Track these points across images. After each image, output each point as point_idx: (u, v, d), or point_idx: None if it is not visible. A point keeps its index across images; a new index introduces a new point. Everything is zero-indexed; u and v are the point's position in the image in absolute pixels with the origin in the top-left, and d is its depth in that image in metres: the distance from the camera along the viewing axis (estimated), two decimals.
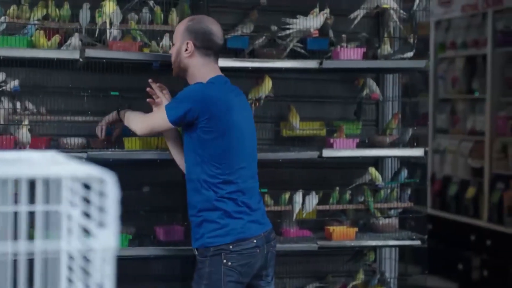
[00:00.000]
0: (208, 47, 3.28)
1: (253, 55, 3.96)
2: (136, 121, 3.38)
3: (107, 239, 1.15)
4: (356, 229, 3.96)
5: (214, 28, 3.31)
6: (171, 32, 3.72)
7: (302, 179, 4.18)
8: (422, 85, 8.17)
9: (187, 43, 3.25)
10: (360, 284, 4.17)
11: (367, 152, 3.92)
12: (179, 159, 3.43)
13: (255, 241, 3.18)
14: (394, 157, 4.17)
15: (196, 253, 3.26)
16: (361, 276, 4.17)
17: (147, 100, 3.42)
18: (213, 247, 3.15)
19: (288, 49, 3.91)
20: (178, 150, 3.42)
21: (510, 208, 6.64)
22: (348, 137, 4.01)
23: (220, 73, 3.32)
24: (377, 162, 4.34)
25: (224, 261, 3.14)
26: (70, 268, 1.45)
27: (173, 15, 3.73)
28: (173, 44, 3.37)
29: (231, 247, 3.14)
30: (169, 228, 3.84)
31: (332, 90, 4.30)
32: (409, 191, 4.12)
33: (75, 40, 3.50)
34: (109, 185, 1.18)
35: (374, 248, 4.27)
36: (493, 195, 6.88)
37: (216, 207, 3.17)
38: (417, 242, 3.97)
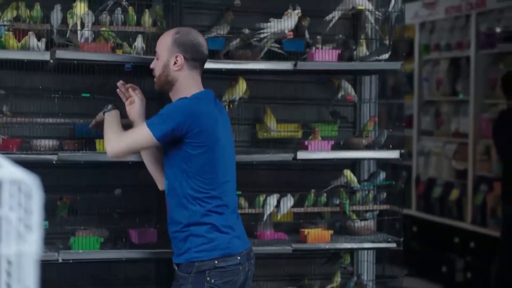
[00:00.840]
0: (197, 59, 3.25)
1: (228, 56, 3.93)
2: (112, 140, 3.22)
3: (31, 243, 1.12)
4: (331, 231, 3.93)
5: (201, 39, 3.30)
6: (144, 34, 3.71)
7: (278, 181, 4.15)
8: (407, 87, 8.16)
9: (176, 56, 3.21)
10: (337, 287, 4.14)
11: (342, 154, 3.89)
12: (159, 175, 3.40)
13: (238, 258, 3.15)
14: (370, 159, 4.14)
15: (177, 268, 3.21)
16: (338, 279, 4.15)
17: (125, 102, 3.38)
18: (198, 262, 3.10)
19: (263, 51, 3.89)
20: (159, 166, 3.39)
21: (493, 210, 6.64)
22: (324, 139, 3.99)
23: (201, 86, 3.29)
24: (355, 164, 4.32)
25: (208, 278, 3.10)
26: (8, 273, 1.42)
27: (146, 17, 3.70)
28: (156, 58, 3.29)
29: (216, 262, 3.10)
30: (143, 230, 3.81)
31: (309, 92, 4.28)
32: (384, 194, 4.09)
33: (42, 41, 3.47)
34: (32, 188, 1.15)
35: (351, 251, 4.25)
36: (476, 197, 6.88)
37: (204, 221, 3.13)
38: (392, 245, 3.94)
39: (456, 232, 7.09)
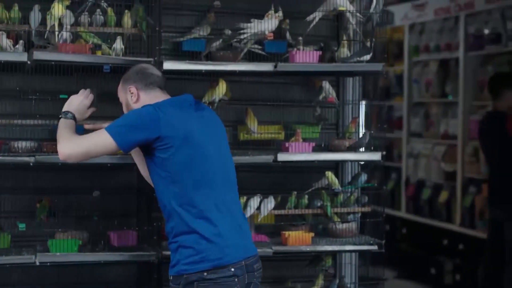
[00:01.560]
0: (149, 82, 3.22)
1: (209, 58, 3.91)
2: (68, 141, 3.11)
3: None
4: (312, 234, 3.91)
5: (144, 65, 3.33)
6: (123, 35, 3.69)
7: (260, 183, 4.13)
8: (397, 88, 8.17)
9: (130, 89, 3.22)
10: None
11: (323, 156, 3.87)
12: (145, 172, 3.35)
13: (232, 269, 3.02)
14: (352, 161, 4.12)
15: (170, 278, 3.12)
16: (320, 282, 4.13)
17: None
18: (187, 274, 3.01)
19: (243, 52, 3.87)
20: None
21: (482, 212, 6.62)
22: (306, 141, 3.97)
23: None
24: (338, 166, 4.30)
25: None
26: None
27: (126, 18, 3.67)
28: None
29: (205, 274, 2.99)
30: (122, 233, 3.78)
31: (292, 93, 4.26)
32: (366, 198, 4.07)
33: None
34: None
35: (334, 253, 4.23)
36: (465, 199, 6.86)
37: (190, 230, 3.03)
38: (374, 247, 3.92)
39: (445, 234, 7.08)
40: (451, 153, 7.17)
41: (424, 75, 7.65)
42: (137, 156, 3.40)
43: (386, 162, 8.18)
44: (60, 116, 3.26)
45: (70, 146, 3.08)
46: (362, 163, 4.24)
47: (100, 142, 3.07)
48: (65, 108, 3.30)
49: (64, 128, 3.19)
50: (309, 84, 4.24)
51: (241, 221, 3.19)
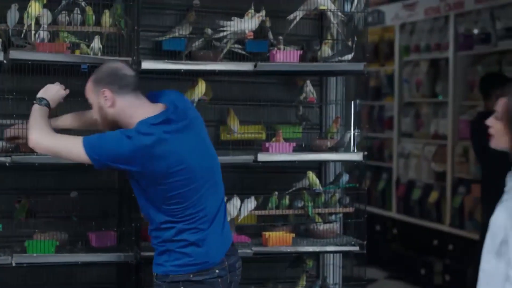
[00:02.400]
0: (124, 84, 3.03)
1: (190, 57, 3.88)
2: (39, 132, 3.04)
3: None
4: (293, 235, 3.88)
5: (116, 65, 3.12)
6: (102, 34, 3.66)
7: (242, 184, 4.10)
8: (388, 88, 8.14)
9: (103, 92, 3.02)
10: None
11: (303, 157, 3.85)
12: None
13: (217, 271, 3.04)
14: (333, 161, 4.09)
15: (155, 275, 3.11)
16: (303, 283, 4.11)
17: None
18: (173, 275, 3.03)
19: (224, 51, 3.84)
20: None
21: (471, 212, 6.59)
22: (288, 141, 3.95)
23: (148, 108, 3.05)
24: (321, 166, 4.28)
25: (182, 287, 3.03)
26: None
27: (105, 17, 3.65)
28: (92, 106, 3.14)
29: (191, 276, 3.01)
30: (102, 234, 3.76)
31: (274, 93, 4.23)
32: (347, 198, 4.04)
33: None
34: None
35: (317, 254, 4.21)
36: (454, 200, 6.84)
37: (180, 238, 3.02)
38: (355, 248, 3.89)
39: (435, 235, 7.05)
40: (441, 153, 7.14)
41: (414, 75, 7.62)
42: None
43: (377, 162, 8.28)
44: (35, 101, 3.19)
45: (42, 137, 3.01)
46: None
47: (72, 149, 2.99)
48: (40, 94, 3.22)
49: (39, 116, 3.10)
50: (291, 84, 4.21)
51: (224, 221, 3.16)
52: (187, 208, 3.00)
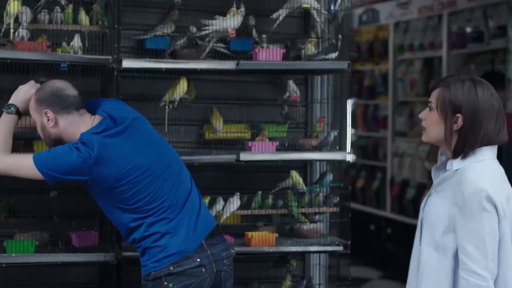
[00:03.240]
0: (66, 105, 3.09)
1: (174, 56, 3.85)
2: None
3: None
4: (276, 234, 3.85)
5: (59, 84, 3.14)
6: (81, 33, 3.63)
7: (227, 183, 4.07)
8: (382, 87, 8.11)
9: (46, 113, 3.09)
10: None
11: (286, 156, 3.82)
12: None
13: (198, 259, 3.05)
14: (316, 160, 4.06)
15: (142, 278, 3.14)
16: (288, 283, 4.07)
17: None
18: (154, 271, 3.04)
19: (207, 50, 3.81)
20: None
21: None
22: (274, 140, 3.92)
23: (89, 121, 3.11)
24: (306, 165, 4.24)
25: (165, 283, 3.02)
26: None
27: (82, 15, 3.62)
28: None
29: (171, 268, 3.02)
30: (83, 234, 3.73)
31: (260, 92, 4.20)
32: (335, 198, 4.00)
33: None
34: None
35: (302, 254, 4.17)
36: None
37: (150, 232, 3.05)
38: (339, 248, 3.86)
39: None
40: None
41: (408, 74, 7.59)
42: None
43: (371, 162, 8.24)
44: (3, 109, 3.21)
45: None
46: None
47: (24, 167, 3.06)
48: (11, 100, 3.24)
49: (1, 131, 3.15)
50: (277, 82, 4.18)
51: (199, 207, 3.18)
52: (149, 202, 3.04)
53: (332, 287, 4.19)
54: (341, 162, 3.98)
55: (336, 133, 3.94)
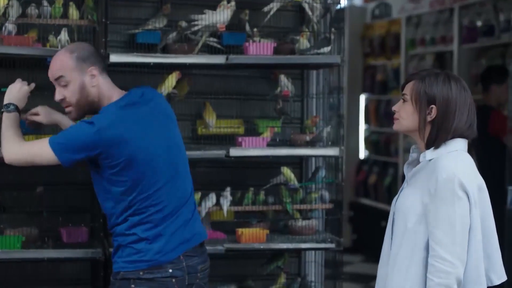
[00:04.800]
0: (103, 65, 3.06)
1: (166, 50, 3.81)
2: (11, 145, 3.02)
3: None
4: (267, 231, 3.80)
5: (92, 46, 3.15)
6: (68, 27, 3.61)
7: (221, 179, 4.02)
8: (394, 82, 8.01)
9: (92, 71, 2.98)
10: None
11: (277, 151, 3.75)
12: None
13: (170, 270, 2.94)
14: (308, 156, 4.00)
15: (113, 273, 3.07)
16: (282, 280, 4.02)
17: None
18: (124, 271, 2.96)
19: (199, 45, 3.77)
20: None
21: None
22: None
23: (118, 89, 3.06)
24: (301, 161, 4.19)
25: (132, 286, 2.94)
26: None
27: (72, 9, 3.60)
28: (62, 86, 3.01)
29: (141, 273, 2.93)
30: (72, 229, 3.71)
31: (254, 87, 4.15)
32: (327, 194, 3.95)
33: None
34: None
35: (297, 251, 4.12)
36: None
37: (131, 232, 2.96)
38: (331, 245, 3.80)
39: None
40: None
41: (420, 68, 7.47)
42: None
43: (383, 157, 8.15)
44: (2, 110, 3.16)
45: (12, 152, 3.01)
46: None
47: (41, 153, 2.96)
48: (5, 101, 3.18)
49: (9, 126, 3.07)
50: (271, 77, 4.13)
51: (190, 218, 3.06)
52: (145, 200, 2.93)
53: (329, 284, 4.13)
54: (337, 158, 3.89)
55: (329, 129, 3.88)
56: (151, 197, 2.94)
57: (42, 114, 3.26)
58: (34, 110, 3.27)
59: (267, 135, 3.83)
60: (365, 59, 8.50)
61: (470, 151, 2.63)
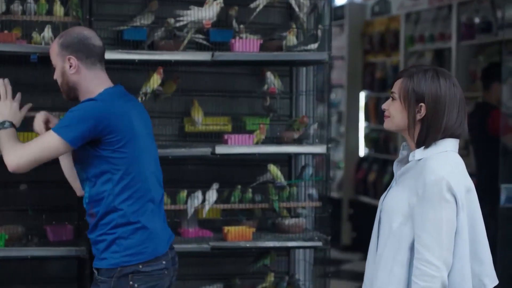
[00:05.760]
0: (90, 54, 3.04)
1: (153, 47, 3.79)
2: (13, 152, 2.97)
3: None
4: (253, 229, 3.77)
5: (87, 32, 3.10)
6: (53, 23, 3.59)
7: (206, 177, 3.99)
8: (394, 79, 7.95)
9: (69, 59, 3.02)
10: (269, 287, 3.99)
11: (263, 149, 3.73)
12: (74, 179, 3.23)
13: (164, 262, 3.02)
14: (296, 153, 3.97)
15: (96, 272, 3.06)
16: (270, 279, 3.99)
17: None
18: (122, 267, 2.95)
19: (185, 41, 3.74)
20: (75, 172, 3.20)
21: None
22: (254, 133, 3.84)
23: (110, 82, 3.11)
24: (290, 159, 4.15)
25: (131, 282, 2.95)
26: None
27: (57, 6, 3.58)
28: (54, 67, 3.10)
29: (140, 266, 2.96)
30: (58, 227, 3.70)
31: (241, 84, 4.12)
32: (314, 191, 3.92)
33: None
34: None
35: (286, 250, 4.10)
36: None
37: (132, 221, 2.97)
38: (318, 243, 3.77)
39: None
40: None
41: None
42: (65, 160, 3.25)
43: (383, 155, 8.10)
44: None
45: (17, 157, 2.96)
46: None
47: (47, 144, 2.95)
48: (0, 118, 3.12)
49: (7, 140, 3.04)
50: (260, 74, 4.09)
51: (164, 214, 3.16)
52: (137, 182, 2.98)
53: (317, 282, 4.10)
54: (325, 156, 3.86)
55: (316, 126, 3.84)
56: (147, 180, 3.01)
57: (52, 121, 3.21)
58: (44, 118, 3.20)
59: (259, 133, 3.80)
60: (365, 56, 8.46)
61: (468, 150, 2.56)
